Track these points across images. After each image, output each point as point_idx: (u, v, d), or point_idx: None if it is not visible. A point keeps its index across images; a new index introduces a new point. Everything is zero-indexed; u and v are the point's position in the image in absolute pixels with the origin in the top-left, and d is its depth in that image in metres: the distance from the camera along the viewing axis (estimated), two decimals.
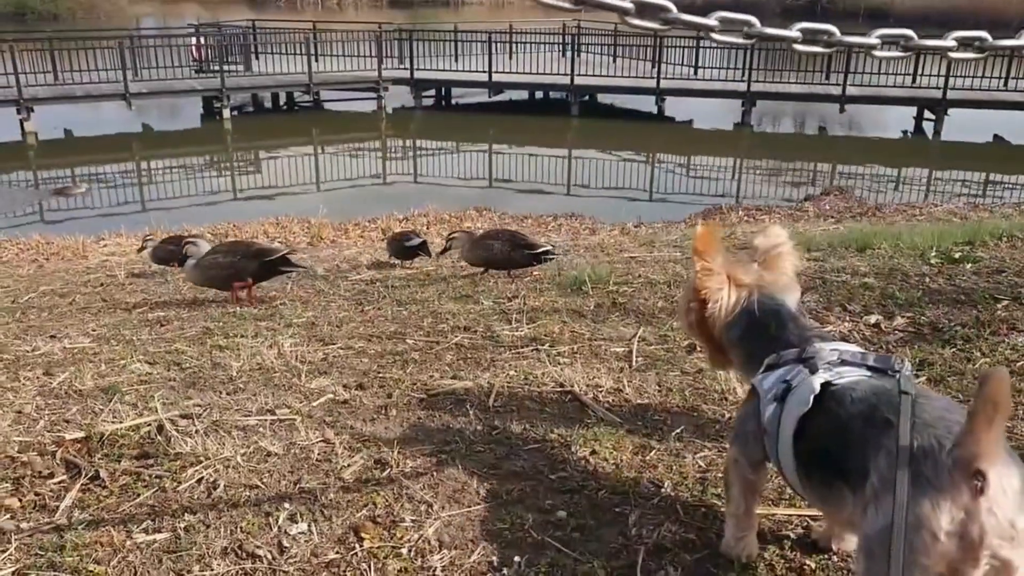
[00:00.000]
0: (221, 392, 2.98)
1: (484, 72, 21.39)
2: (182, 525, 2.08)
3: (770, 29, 1.20)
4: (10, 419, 2.72)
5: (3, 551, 1.98)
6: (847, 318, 3.64)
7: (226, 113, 20.00)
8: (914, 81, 19.63)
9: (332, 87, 22.07)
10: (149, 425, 2.62)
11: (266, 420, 2.70)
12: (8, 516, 2.14)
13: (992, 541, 1.30)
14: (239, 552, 1.98)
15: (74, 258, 8.66)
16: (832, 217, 10.44)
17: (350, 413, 2.77)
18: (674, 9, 1.09)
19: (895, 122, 20.30)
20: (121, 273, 6.65)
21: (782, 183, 15.38)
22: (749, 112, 19.95)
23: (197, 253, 5.03)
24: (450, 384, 3.02)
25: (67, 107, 18.92)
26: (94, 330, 4.13)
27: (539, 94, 23.08)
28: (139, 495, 2.23)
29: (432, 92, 23.55)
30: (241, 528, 2.06)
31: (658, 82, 20.49)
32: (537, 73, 21.50)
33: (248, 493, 2.23)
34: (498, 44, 22.25)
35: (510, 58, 22.87)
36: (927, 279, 4.17)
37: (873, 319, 3.58)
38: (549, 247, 5.47)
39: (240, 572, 1.91)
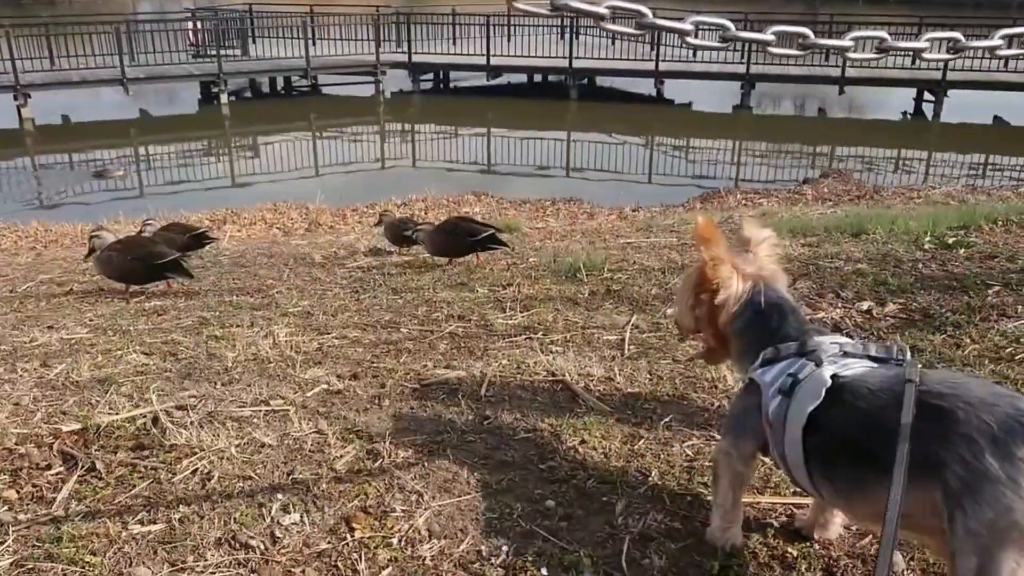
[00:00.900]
0: (216, 383, 3.01)
1: (482, 56, 21.32)
2: (177, 516, 2.11)
3: (744, 33, 1.22)
4: (8, 411, 2.75)
5: (1, 542, 2.01)
6: (839, 304, 3.66)
7: (223, 98, 19.95)
8: (914, 62, 19.54)
9: (330, 71, 22.01)
10: (145, 416, 2.65)
11: (260, 411, 2.73)
12: (6, 508, 2.17)
13: None
14: (232, 543, 2.01)
15: (72, 245, 8.68)
16: (830, 200, 10.45)
17: (343, 403, 2.80)
18: (649, 15, 1.10)
19: (895, 104, 20.25)
20: None
21: (781, 166, 15.38)
22: (748, 94, 19.91)
23: (101, 245, 5.06)
24: (443, 374, 3.05)
25: (64, 93, 18.88)
26: (91, 320, 4.16)
27: (537, 77, 22.99)
28: (135, 486, 2.26)
29: (430, 76, 23.48)
30: (235, 519, 2.10)
31: (657, 65, 20.43)
32: (535, 56, 21.42)
33: (242, 484, 2.27)
34: (496, 27, 22.15)
35: (508, 41, 22.76)
36: (920, 265, 4.19)
37: (865, 306, 3.61)
38: (492, 231, 5.50)
39: (233, 562, 1.94)
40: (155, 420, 2.62)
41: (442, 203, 11.05)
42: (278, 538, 2.02)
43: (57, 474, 2.35)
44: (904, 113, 19.99)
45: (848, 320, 3.46)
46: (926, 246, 4.59)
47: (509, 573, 1.88)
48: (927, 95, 19.44)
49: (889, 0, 39.42)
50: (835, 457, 1.62)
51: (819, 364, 1.69)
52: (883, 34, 1.25)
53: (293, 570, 1.90)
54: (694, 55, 21.16)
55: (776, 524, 2.03)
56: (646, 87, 21.48)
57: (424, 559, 1.94)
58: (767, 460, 2.07)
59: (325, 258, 6.11)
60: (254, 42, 22.69)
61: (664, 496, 2.17)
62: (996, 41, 1.27)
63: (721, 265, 1.91)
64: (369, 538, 2.01)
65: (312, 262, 6.01)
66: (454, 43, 23.43)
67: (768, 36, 1.23)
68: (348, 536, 2.02)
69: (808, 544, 1.94)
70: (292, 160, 16.25)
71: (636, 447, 2.43)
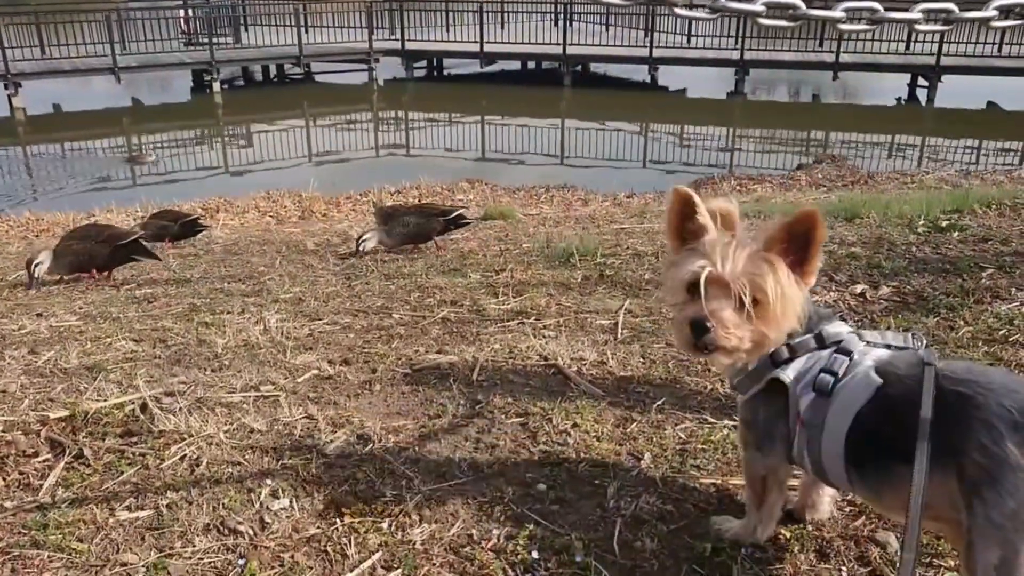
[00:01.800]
0: (206, 369, 2.99)
1: (476, 42, 21.23)
2: (165, 502, 2.09)
3: (734, 3, 1.19)
4: None
5: None
6: (833, 288, 3.65)
7: (216, 87, 19.86)
8: (908, 48, 19.53)
9: (323, 59, 21.91)
10: (133, 403, 2.63)
11: (250, 397, 2.71)
12: None
13: None
14: (221, 528, 1.99)
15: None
16: (824, 186, 10.44)
17: (334, 389, 2.78)
18: None
19: (889, 89, 20.22)
20: None
21: (775, 152, 15.34)
22: (742, 80, 19.86)
23: (46, 258, 5.06)
24: (435, 359, 3.03)
25: (55, 82, 18.76)
26: (81, 308, 4.13)
27: (531, 64, 22.91)
28: (122, 473, 2.24)
29: (423, 63, 23.38)
30: (223, 504, 2.08)
31: (651, 51, 20.36)
32: (529, 43, 21.34)
33: (231, 470, 2.25)
34: (489, 14, 22.04)
35: (502, 28, 22.67)
36: (914, 248, 4.18)
37: (859, 289, 3.60)
38: (461, 211, 5.70)
39: (222, 548, 1.92)
40: (144, 406, 2.60)
41: (436, 191, 11.00)
42: (267, 523, 2.00)
43: (44, 461, 2.33)
44: (898, 99, 19.96)
45: (842, 303, 3.44)
46: (920, 230, 4.58)
47: (500, 557, 1.86)
48: (921, 80, 19.41)
49: None
50: (867, 451, 1.54)
51: (852, 357, 1.60)
52: (875, 4, 1.23)
53: (282, 555, 1.89)
54: (688, 41, 21.10)
55: None
56: (640, 74, 21.41)
57: (414, 543, 1.92)
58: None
59: (318, 245, 6.09)
60: (246, 30, 22.56)
61: (656, 479, 2.15)
62: (990, 12, 1.25)
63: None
64: (359, 522, 1.99)
65: (305, 249, 5.99)
66: (447, 30, 23.33)
67: (758, 7, 1.21)
68: (338, 521, 2.01)
69: (800, 526, 1.92)
70: (285, 148, 16.16)
71: (628, 430, 2.42)
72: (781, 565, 1.81)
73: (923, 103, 18.98)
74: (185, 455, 2.32)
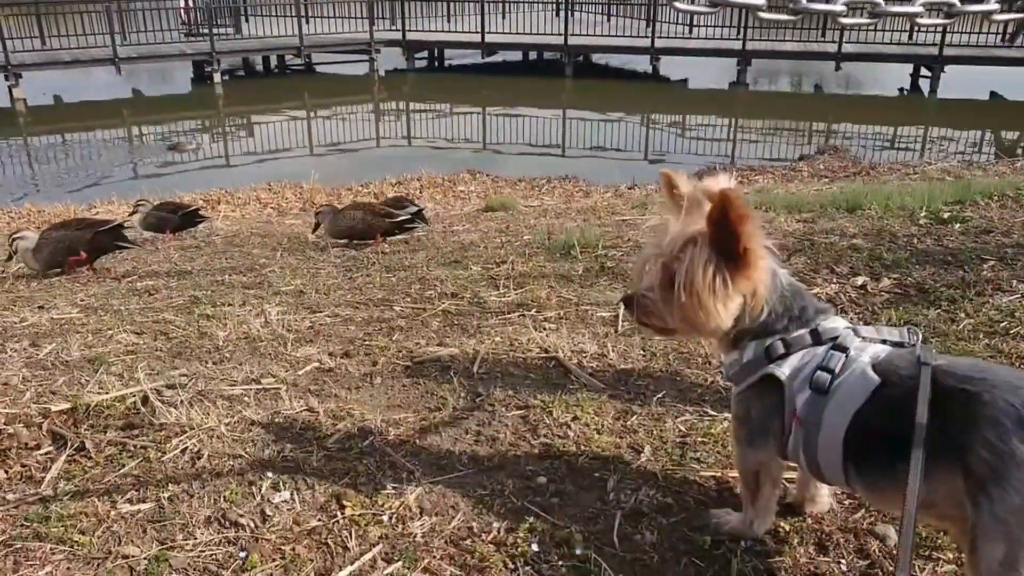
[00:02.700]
0: (207, 362, 3.00)
1: (477, 33, 21.17)
2: (166, 495, 2.10)
3: None
4: None
5: None
6: (834, 280, 3.64)
7: (217, 77, 19.83)
8: (911, 38, 19.46)
9: (323, 50, 21.85)
10: (135, 396, 2.63)
11: (251, 389, 2.71)
12: None
13: None
14: (222, 521, 2.00)
15: None
16: (826, 177, 10.42)
17: (335, 382, 2.79)
18: None
19: (891, 80, 20.15)
20: None
21: (777, 143, 15.31)
22: (745, 71, 19.80)
23: (27, 246, 5.07)
24: (435, 351, 3.03)
25: (55, 73, 18.74)
26: (82, 300, 4.13)
27: (533, 55, 22.85)
28: (124, 465, 2.25)
29: (424, 54, 23.33)
30: (224, 497, 2.08)
31: (653, 41, 20.30)
32: (531, 33, 21.28)
33: (232, 462, 2.25)
34: (491, 4, 21.98)
35: (503, 18, 22.60)
36: (915, 240, 4.17)
37: (860, 281, 3.59)
38: (410, 214, 5.78)
39: (223, 540, 1.93)
40: (145, 399, 2.60)
41: (437, 182, 10.99)
42: (268, 516, 2.01)
43: (46, 454, 2.33)
44: (901, 89, 19.90)
45: (843, 295, 3.44)
46: (921, 221, 4.57)
47: (500, 549, 1.87)
48: (924, 71, 19.35)
49: None
50: (868, 450, 1.53)
51: (848, 354, 1.59)
52: None
53: (283, 547, 1.89)
54: (690, 32, 21.03)
55: None
56: (642, 64, 21.35)
57: (415, 536, 1.93)
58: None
59: (319, 237, 6.08)
60: (247, 20, 22.51)
61: (656, 472, 2.16)
62: (991, 5, 1.24)
63: (759, 255, 1.63)
64: (360, 515, 2.00)
65: (305, 241, 5.99)
66: (449, 20, 23.27)
67: (759, 0, 1.20)
68: (339, 513, 2.01)
69: (800, 518, 1.93)
70: (286, 139, 16.15)
71: (629, 423, 2.42)
72: (780, 558, 1.81)
73: (926, 93, 18.92)
74: (186, 448, 2.33)
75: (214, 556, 1.87)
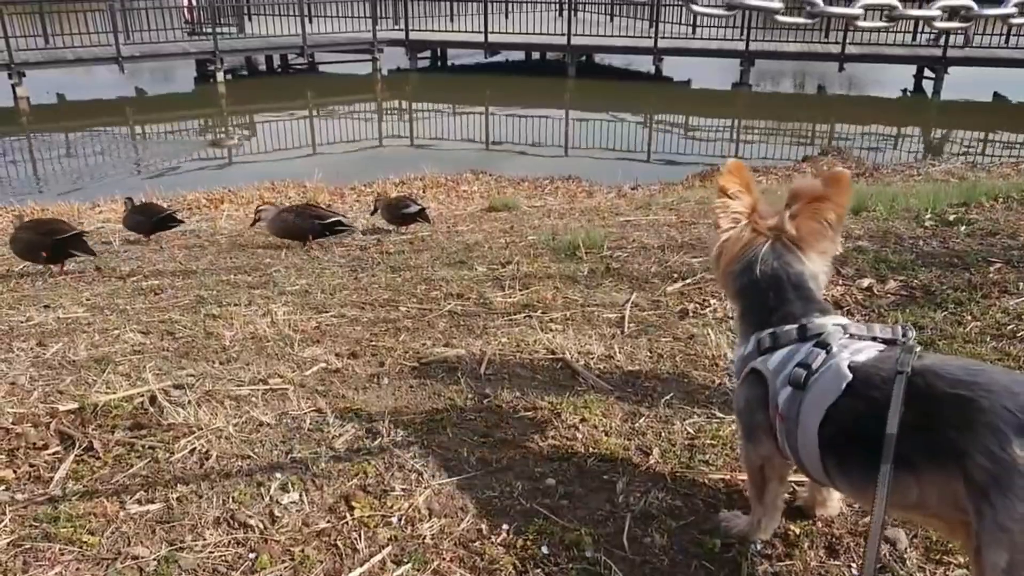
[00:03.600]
0: (214, 362, 2.99)
1: (480, 32, 21.15)
2: (175, 495, 2.10)
3: (751, 0, 1.18)
4: (4, 390, 2.73)
5: None
6: (840, 282, 3.64)
7: (220, 76, 19.82)
8: (914, 39, 19.42)
9: (326, 49, 21.83)
10: (142, 396, 2.64)
11: (258, 390, 2.71)
12: (3, 487, 2.16)
13: None
14: (231, 522, 2.00)
15: None
16: None
17: (342, 382, 2.79)
18: None
19: (895, 81, 20.13)
20: (116, 240, 6.63)
21: (780, 143, 15.29)
22: (748, 72, 19.77)
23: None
24: (442, 352, 3.03)
25: (59, 71, 18.73)
26: (88, 299, 4.13)
27: (535, 55, 22.84)
28: (132, 466, 2.25)
29: (427, 53, 23.31)
30: (233, 498, 2.08)
31: (655, 42, 20.27)
32: (533, 33, 21.26)
33: (240, 463, 2.25)
34: (494, 4, 21.96)
35: (506, 18, 22.58)
36: (921, 242, 4.16)
37: (866, 283, 3.59)
38: (340, 218, 6.00)
39: (232, 541, 1.93)
40: (152, 399, 2.60)
41: (440, 182, 10.98)
42: (277, 517, 2.01)
43: (54, 454, 2.33)
44: (904, 90, 19.87)
45: (849, 297, 3.44)
46: (927, 223, 4.56)
47: (510, 551, 1.87)
48: (927, 72, 19.31)
49: None
50: (850, 450, 1.54)
51: (829, 351, 1.61)
52: (894, 1, 1.22)
53: (292, 549, 1.89)
54: (693, 32, 21.01)
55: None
56: (645, 64, 21.34)
57: (424, 537, 1.93)
58: None
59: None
60: (250, 19, 22.51)
61: (665, 474, 2.15)
62: (1010, 9, 1.24)
63: (727, 206, 1.78)
64: (369, 517, 2.00)
65: (309, 241, 5.98)
66: (451, 20, 23.26)
67: (776, 4, 1.20)
68: (347, 515, 2.01)
69: (810, 522, 1.93)
70: (289, 138, 16.14)
71: (637, 425, 2.42)
72: (791, 561, 1.81)
73: (929, 94, 18.90)
74: (194, 448, 2.33)
75: (223, 557, 1.87)
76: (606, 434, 2.37)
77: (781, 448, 1.69)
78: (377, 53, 21.45)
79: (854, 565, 1.80)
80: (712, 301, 3.46)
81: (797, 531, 1.90)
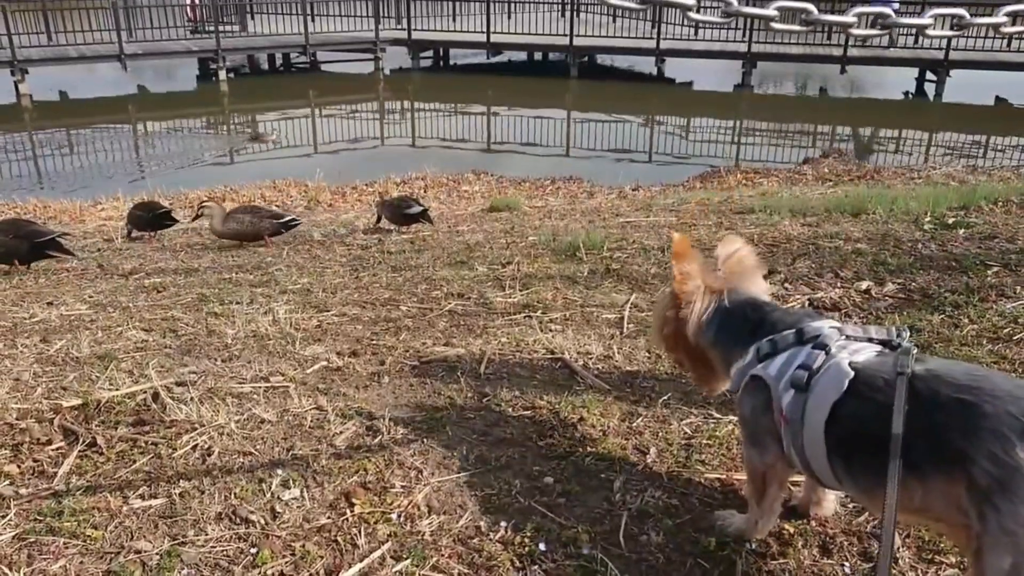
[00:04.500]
0: (216, 359, 3.02)
1: (482, 33, 21.19)
2: (177, 491, 2.13)
3: (747, 8, 1.21)
4: (8, 386, 2.76)
5: (3, 516, 2.02)
6: (838, 284, 3.66)
7: (222, 75, 19.86)
8: (916, 41, 19.45)
9: (329, 48, 21.88)
10: (145, 392, 2.66)
11: (260, 387, 2.74)
12: (7, 482, 2.19)
13: None
14: (233, 517, 2.02)
15: (71, 222, 8.66)
16: (830, 180, 10.43)
17: (343, 380, 2.81)
18: None
19: (896, 83, 20.16)
20: (118, 238, 6.66)
21: (781, 145, 15.32)
22: (750, 73, 19.81)
23: None
24: (442, 351, 3.06)
25: (61, 69, 18.78)
26: (91, 296, 4.16)
27: (538, 55, 22.87)
28: (135, 461, 2.28)
29: (430, 53, 23.36)
30: (235, 494, 2.11)
31: (658, 43, 20.32)
32: (536, 34, 21.30)
33: (242, 460, 2.28)
34: (496, 4, 22.00)
35: (508, 18, 22.62)
36: (919, 245, 4.19)
37: (864, 285, 3.61)
38: (292, 216, 6.20)
39: (234, 537, 1.95)
40: (155, 396, 2.63)
41: (441, 181, 11.01)
42: (278, 513, 2.03)
43: (58, 449, 2.36)
44: (906, 93, 19.91)
45: (847, 300, 3.46)
46: (926, 226, 4.59)
47: (508, 548, 1.89)
48: (929, 75, 19.35)
49: None
50: (856, 453, 1.55)
51: (828, 352, 1.63)
52: (887, 10, 1.24)
53: (293, 544, 1.92)
54: (695, 33, 21.04)
55: None
56: (647, 66, 21.37)
57: (423, 534, 1.95)
58: None
59: (324, 236, 6.11)
60: (253, 18, 22.57)
61: (662, 473, 2.18)
62: (1001, 18, 1.26)
63: (688, 280, 1.96)
64: (369, 513, 2.03)
65: (311, 240, 6.01)
66: (454, 20, 23.29)
67: (771, 12, 1.22)
68: (348, 511, 2.04)
69: (804, 521, 1.95)
70: (291, 137, 16.18)
71: (634, 425, 2.44)
72: (785, 560, 1.84)
73: (931, 97, 18.93)
74: (197, 444, 2.35)
75: (225, 552, 1.90)
76: (604, 433, 2.39)
77: (786, 452, 1.71)
78: (379, 52, 21.51)
79: (847, 564, 1.82)
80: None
81: (791, 530, 1.92)
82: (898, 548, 1.86)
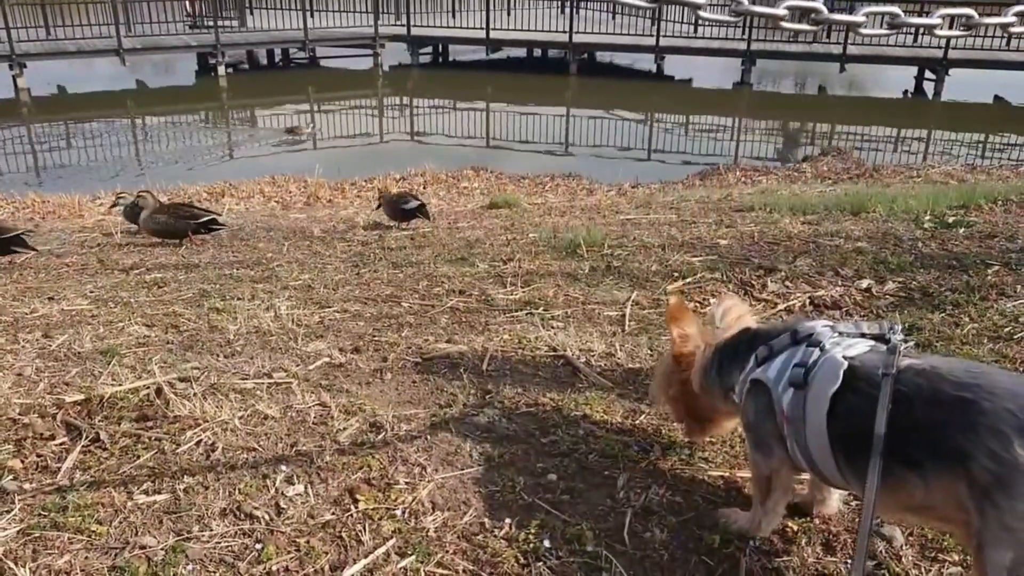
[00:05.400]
0: (218, 355, 3.02)
1: (482, 29, 21.16)
2: (181, 487, 2.13)
3: (757, 7, 1.21)
4: (10, 381, 2.76)
5: (7, 511, 2.02)
6: (839, 282, 3.67)
7: (221, 70, 19.81)
8: (915, 40, 19.44)
9: (328, 44, 21.84)
10: (148, 388, 2.66)
11: (263, 383, 2.74)
12: (11, 477, 2.19)
13: None
14: (237, 513, 2.03)
15: (70, 217, 8.65)
16: (829, 179, 10.43)
17: (346, 376, 2.81)
18: None
19: (895, 82, 20.16)
20: (117, 233, 6.65)
21: (780, 143, 15.32)
22: (749, 71, 19.79)
23: None
24: (444, 348, 3.06)
25: (60, 63, 18.73)
26: (92, 292, 4.15)
27: (537, 52, 22.84)
28: (139, 457, 2.28)
29: (429, 49, 23.32)
30: (239, 490, 2.11)
31: (657, 40, 20.29)
32: (535, 30, 21.27)
33: (246, 455, 2.28)
34: (496, 0, 21.96)
35: (508, 15, 22.59)
36: (920, 244, 4.20)
37: (865, 284, 3.62)
38: (212, 217, 6.10)
39: (239, 532, 1.96)
40: (158, 391, 2.63)
41: (440, 178, 11.00)
42: (283, 509, 2.04)
43: (61, 444, 2.36)
44: (905, 91, 19.90)
45: (848, 298, 3.47)
46: (926, 225, 4.60)
47: (512, 545, 1.90)
48: (928, 73, 19.34)
49: None
50: (859, 449, 1.55)
51: (822, 348, 1.66)
52: (896, 9, 1.25)
53: (298, 540, 1.92)
54: (695, 31, 21.02)
55: None
56: (646, 63, 21.35)
57: (428, 531, 1.96)
58: None
59: (325, 232, 6.11)
60: (252, 13, 22.52)
61: (665, 471, 2.18)
62: (1009, 18, 1.26)
63: (688, 341, 2.04)
64: (373, 509, 2.03)
65: (311, 236, 6.01)
66: (453, 16, 23.27)
67: (781, 11, 1.23)
68: (352, 507, 2.04)
69: (808, 519, 1.96)
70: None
71: (637, 422, 2.45)
72: (788, 557, 1.84)
73: (930, 96, 18.93)
74: (200, 440, 2.35)
75: (230, 548, 1.90)
76: (607, 431, 2.40)
77: (791, 453, 1.72)
78: (379, 48, 21.46)
79: (850, 561, 1.83)
80: (712, 300, 3.49)
81: (795, 528, 1.93)
82: (901, 546, 1.87)
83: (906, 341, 1.63)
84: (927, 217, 4.76)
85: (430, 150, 13.72)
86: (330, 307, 3.63)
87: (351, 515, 2.01)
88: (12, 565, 1.83)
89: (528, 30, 21.38)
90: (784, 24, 1.23)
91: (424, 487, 2.12)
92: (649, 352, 2.99)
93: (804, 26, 1.25)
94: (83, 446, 2.34)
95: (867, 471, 1.54)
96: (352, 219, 6.92)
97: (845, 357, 1.62)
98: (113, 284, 4.36)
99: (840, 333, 1.70)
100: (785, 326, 1.83)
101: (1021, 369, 2.69)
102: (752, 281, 3.74)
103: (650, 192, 9.44)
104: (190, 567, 1.84)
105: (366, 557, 1.86)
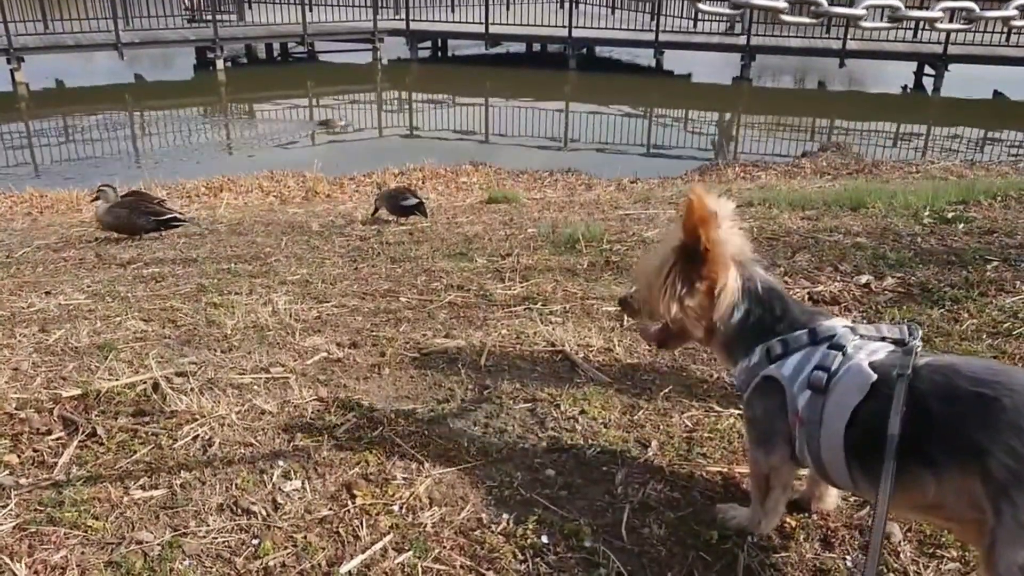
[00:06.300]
0: (216, 350, 3.01)
1: (481, 24, 21.12)
2: (178, 482, 2.12)
3: (757, 0, 1.20)
4: (7, 376, 2.75)
5: (3, 506, 2.02)
6: (838, 278, 3.66)
7: (219, 64, 19.77)
8: (915, 35, 19.42)
9: (327, 38, 21.80)
10: (145, 383, 2.66)
11: (260, 378, 2.73)
12: (7, 472, 2.18)
13: None
14: (234, 508, 2.02)
15: (68, 211, 8.63)
16: (828, 174, 10.42)
17: (343, 372, 2.81)
18: None
19: (895, 77, 20.13)
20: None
21: (780, 139, 15.31)
22: (748, 66, 19.76)
23: None
24: (442, 343, 3.05)
25: (58, 57, 18.70)
26: (89, 286, 4.14)
27: (536, 47, 22.81)
28: (136, 452, 2.27)
29: (428, 44, 23.28)
30: (236, 485, 2.11)
31: (657, 35, 20.26)
32: (535, 25, 21.24)
33: (243, 450, 2.28)
34: None
35: (507, 9, 22.56)
36: (919, 239, 4.19)
37: (864, 279, 3.61)
38: (177, 214, 6.07)
39: (235, 528, 1.95)
40: (155, 386, 2.63)
41: (439, 173, 10.98)
42: (280, 504, 2.03)
43: (58, 439, 2.35)
44: (904, 87, 19.87)
45: (847, 294, 3.46)
46: (925, 220, 4.59)
47: (510, 540, 1.89)
48: (928, 69, 19.32)
49: None
50: (873, 451, 1.51)
51: (844, 352, 1.61)
52: (896, 2, 1.24)
53: (295, 536, 1.92)
54: (694, 25, 20.99)
55: None
56: (646, 58, 21.32)
57: (425, 526, 1.95)
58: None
59: (323, 227, 6.09)
60: (250, 7, 22.49)
61: (663, 467, 2.18)
62: (1011, 11, 1.26)
63: (721, 253, 1.73)
64: (370, 505, 2.03)
65: (309, 230, 5.99)
66: (452, 11, 23.21)
67: (780, 3, 1.22)
68: (349, 503, 2.04)
69: (806, 515, 1.95)
70: (289, 128, 16.11)
71: (635, 417, 2.44)
72: (786, 553, 1.84)
73: (929, 92, 18.90)
74: (197, 435, 2.35)
75: (227, 543, 1.90)
76: (605, 426, 2.39)
77: (799, 454, 1.69)
78: (378, 43, 21.42)
79: (848, 557, 1.82)
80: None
81: (793, 523, 1.92)
82: (899, 542, 1.87)
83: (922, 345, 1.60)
84: (926, 213, 4.75)
85: (429, 145, 13.71)
86: (328, 302, 3.63)
87: (348, 510, 2.01)
88: (8, 560, 1.83)
89: (527, 25, 21.34)
90: (784, 17, 1.22)
91: (421, 482, 2.12)
92: (648, 348, 2.98)
93: (805, 20, 1.24)
94: (80, 441, 2.33)
95: (880, 473, 1.51)
96: (350, 214, 6.90)
97: (871, 365, 1.57)
98: (110, 279, 4.35)
99: (861, 336, 1.66)
100: (806, 318, 1.73)
101: (1021, 366, 2.69)
102: None
103: (649, 187, 9.42)
104: (187, 562, 1.83)
105: (363, 552, 1.86)
